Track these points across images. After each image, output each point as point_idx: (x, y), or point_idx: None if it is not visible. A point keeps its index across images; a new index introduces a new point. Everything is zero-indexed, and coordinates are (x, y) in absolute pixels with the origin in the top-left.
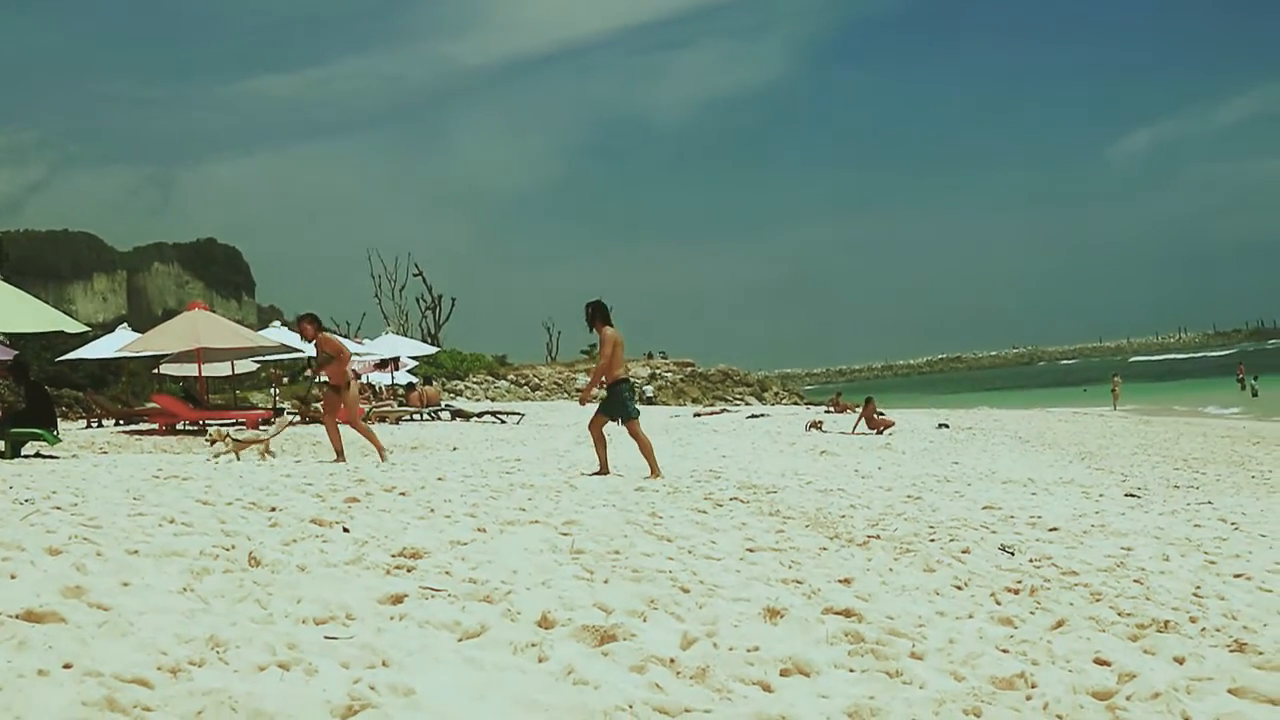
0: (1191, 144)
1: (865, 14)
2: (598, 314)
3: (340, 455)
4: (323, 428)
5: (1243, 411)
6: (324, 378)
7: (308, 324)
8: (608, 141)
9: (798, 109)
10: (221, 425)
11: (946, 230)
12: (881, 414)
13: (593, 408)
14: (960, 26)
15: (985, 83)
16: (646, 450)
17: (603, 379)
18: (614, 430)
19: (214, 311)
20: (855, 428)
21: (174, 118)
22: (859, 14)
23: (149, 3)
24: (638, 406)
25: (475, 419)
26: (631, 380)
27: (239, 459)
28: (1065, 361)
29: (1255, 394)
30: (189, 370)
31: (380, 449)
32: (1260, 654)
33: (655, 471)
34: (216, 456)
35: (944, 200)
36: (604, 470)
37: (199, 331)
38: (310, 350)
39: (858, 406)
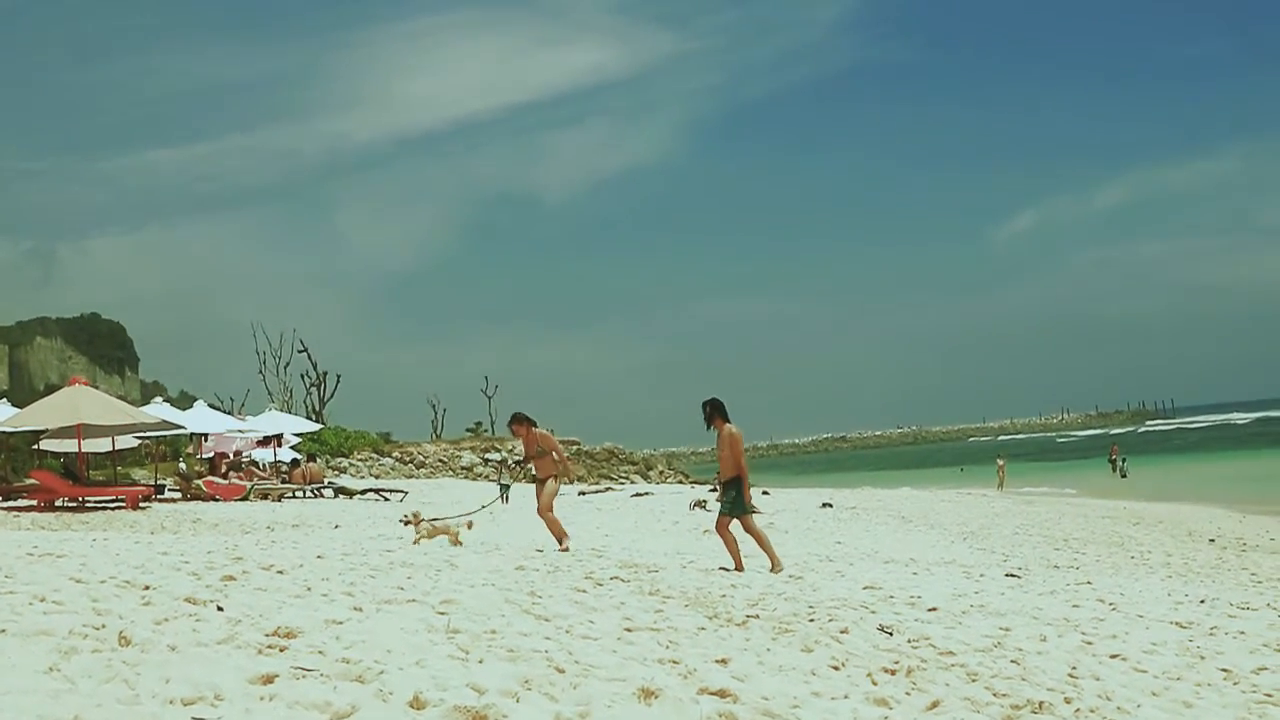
0: (1073, 227)
1: (752, 96)
2: (716, 411)
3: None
4: (204, 505)
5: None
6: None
7: (519, 424)
8: (493, 220)
9: (685, 190)
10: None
11: (833, 310)
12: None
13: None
14: (847, 108)
15: (872, 164)
16: (763, 543)
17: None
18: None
19: (97, 386)
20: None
21: (56, 191)
22: (746, 96)
23: (29, 76)
24: (754, 504)
25: (359, 496)
26: (748, 480)
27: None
28: (958, 441)
29: (1124, 475)
30: (69, 446)
31: (560, 537)
32: None
33: (777, 564)
34: (418, 540)
35: (830, 281)
36: (739, 568)
37: (79, 407)
38: None
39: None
